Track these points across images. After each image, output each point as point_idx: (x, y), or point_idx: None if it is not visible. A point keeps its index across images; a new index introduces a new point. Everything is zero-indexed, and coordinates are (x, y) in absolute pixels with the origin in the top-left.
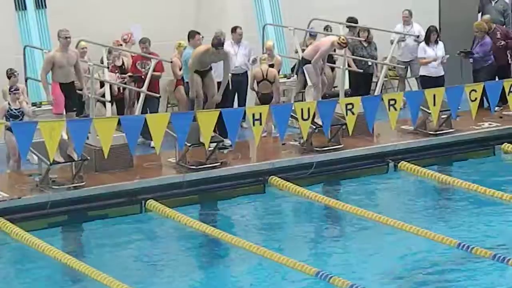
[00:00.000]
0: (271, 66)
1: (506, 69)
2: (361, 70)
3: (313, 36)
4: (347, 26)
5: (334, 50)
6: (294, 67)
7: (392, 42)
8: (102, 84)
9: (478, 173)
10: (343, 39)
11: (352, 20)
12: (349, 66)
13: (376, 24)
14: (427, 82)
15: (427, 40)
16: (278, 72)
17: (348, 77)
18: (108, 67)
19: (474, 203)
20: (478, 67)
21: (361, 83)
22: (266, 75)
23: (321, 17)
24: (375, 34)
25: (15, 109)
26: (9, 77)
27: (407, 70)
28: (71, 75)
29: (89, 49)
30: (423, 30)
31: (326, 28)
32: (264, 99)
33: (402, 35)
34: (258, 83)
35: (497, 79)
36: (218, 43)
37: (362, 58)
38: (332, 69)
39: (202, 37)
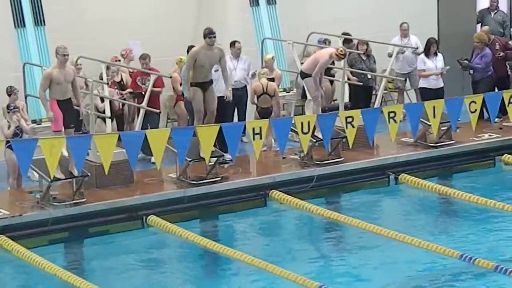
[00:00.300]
0: (271, 80)
1: (505, 80)
2: (361, 83)
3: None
4: (344, 40)
5: (333, 63)
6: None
7: (389, 55)
8: (102, 100)
9: (478, 184)
10: (341, 51)
11: (346, 35)
12: (348, 79)
13: (374, 36)
14: (426, 94)
15: (427, 52)
16: (278, 86)
17: (348, 91)
18: (107, 83)
19: (475, 215)
20: (478, 78)
21: (361, 96)
22: (266, 89)
23: (319, 30)
24: (373, 47)
25: (16, 127)
26: (9, 95)
27: (405, 82)
28: (69, 92)
29: (89, 66)
30: (420, 42)
31: (325, 41)
32: (264, 113)
33: (401, 48)
34: (258, 97)
35: (496, 90)
36: (209, 32)
37: (361, 71)
38: (331, 82)
39: None
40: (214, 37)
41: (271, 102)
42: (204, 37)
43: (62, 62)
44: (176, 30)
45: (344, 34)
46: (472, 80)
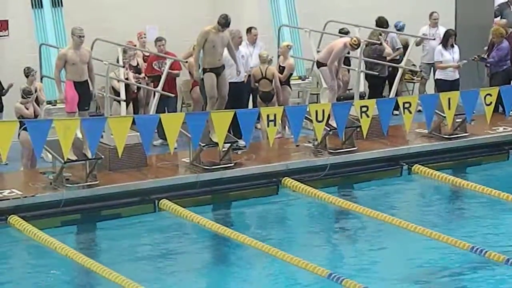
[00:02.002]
0: (283, 68)
1: None
2: (376, 73)
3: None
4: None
5: (349, 52)
6: None
7: (417, 44)
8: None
9: (492, 177)
10: (354, 40)
11: (382, 19)
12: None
13: (391, 27)
14: (443, 85)
15: (445, 44)
16: (291, 75)
17: (367, 80)
18: (123, 66)
19: (487, 207)
20: (494, 71)
21: (383, 86)
22: (265, 74)
23: (337, 19)
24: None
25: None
26: (26, 76)
27: (430, 72)
28: (85, 74)
29: (105, 48)
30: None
31: (342, 30)
32: (265, 97)
33: (419, 38)
34: (258, 81)
35: None
36: (227, 23)
37: (383, 62)
38: (348, 71)
39: None
40: (225, 29)
41: (272, 86)
42: (220, 24)
43: (78, 43)
44: (192, 14)
45: (379, 19)
46: (489, 73)
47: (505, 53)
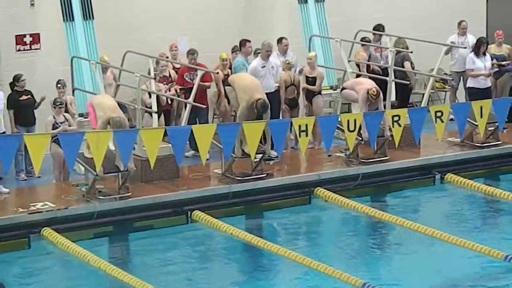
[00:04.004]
0: (314, 79)
1: None
2: (408, 82)
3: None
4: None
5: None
6: None
7: (446, 53)
8: (150, 95)
9: None
10: (373, 91)
11: (378, 26)
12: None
13: (421, 35)
14: (475, 93)
15: (477, 52)
16: (320, 85)
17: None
18: (155, 78)
19: None
20: None
21: (406, 94)
22: (293, 80)
23: (367, 28)
24: (421, 45)
25: (60, 123)
26: (58, 89)
27: (459, 81)
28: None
29: (136, 60)
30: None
31: (364, 39)
32: (292, 104)
33: (449, 47)
34: (286, 88)
35: None
36: (263, 109)
37: (411, 70)
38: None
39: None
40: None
41: (295, 93)
42: (255, 107)
43: None
44: (223, 26)
45: (376, 27)
46: None
47: None
